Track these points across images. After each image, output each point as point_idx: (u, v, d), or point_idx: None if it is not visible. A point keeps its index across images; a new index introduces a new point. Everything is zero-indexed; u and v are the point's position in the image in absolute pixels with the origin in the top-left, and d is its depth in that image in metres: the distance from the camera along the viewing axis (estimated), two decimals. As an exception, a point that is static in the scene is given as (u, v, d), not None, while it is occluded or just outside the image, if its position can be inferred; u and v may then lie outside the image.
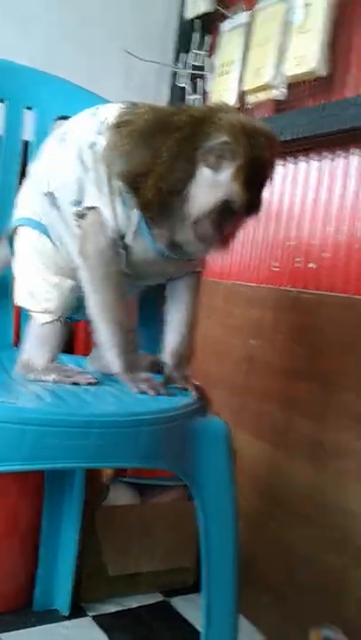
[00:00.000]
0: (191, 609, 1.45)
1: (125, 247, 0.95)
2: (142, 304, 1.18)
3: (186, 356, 1.05)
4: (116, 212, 0.93)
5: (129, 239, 0.94)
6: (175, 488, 1.50)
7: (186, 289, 1.06)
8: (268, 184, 0.93)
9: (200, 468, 0.92)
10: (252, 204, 0.91)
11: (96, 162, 0.93)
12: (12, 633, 1.28)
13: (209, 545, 0.94)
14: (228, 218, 0.91)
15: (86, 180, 0.94)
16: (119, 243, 0.94)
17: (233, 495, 0.96)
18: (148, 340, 1.19)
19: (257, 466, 1.43)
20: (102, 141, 0.93)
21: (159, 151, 0.89)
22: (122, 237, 0.94)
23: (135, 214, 0.92)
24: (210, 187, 0.89)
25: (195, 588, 1.52)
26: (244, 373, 1.50)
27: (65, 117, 1.18)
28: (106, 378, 1.03)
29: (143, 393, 0.92)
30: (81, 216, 0.96)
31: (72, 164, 0.95)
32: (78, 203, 0.95)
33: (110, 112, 0.96)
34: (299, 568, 1.29)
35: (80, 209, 0.95)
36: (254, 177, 0.89)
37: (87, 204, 0.94)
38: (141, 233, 0.93)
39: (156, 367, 1.10)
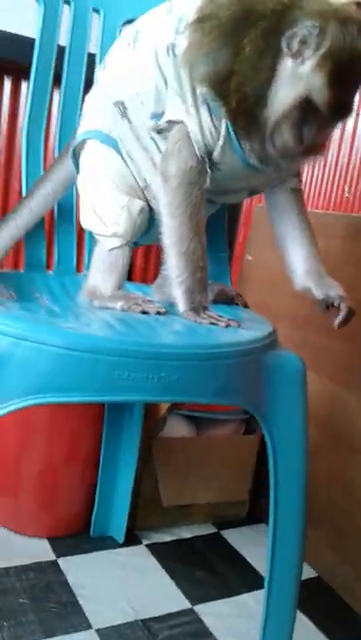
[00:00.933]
0: (244, 541, 1.45)
1: (212, 164, 0.86)
2: (208, 231, 1.10)
3: (324, 271, 0.96)
4: (202, 125, 0.83)
5: (217, 155, 0.85)
6: (231, 422, 1.48)
7: (292, 209, 0.97)
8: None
9: (274, 404, 0.86)
10: (340, 104, 0.78)
11: (177, 68, 0.83)
12: (68, 558, 1.29)
13: (278, 481, 0.90)
14: (312, 121, 0.80)
15: (166, 90, 0.84)
16: (206, 161, 0.85)
17: (306, 434, 0.91)
18: (214, 267, 1.12)
19: (318, 401, 1.37)
20: (182, 42, 0.82)
21: (242, 46, 0.77)
22: (209, 154, 0.85)
23: (224, 125, 0.82)
24: (290, 80, 0.78)
25: (248, 520, 1.52)
26: (306, 306, 1.43)
27: (133, 21, 1.08)
28: (174, 308, 0.97)
29: (213, 324, 0.86)
30: (160, 131, 0.87)
31: (148, 70, 0.85)
32: (157, 115, 0.86)
33: (189, 6, 0.83)
34: (358, 506, 1.25)
35: (160, 123, 0.86)
36: (343, 70, 0.76)
37: (170, 117, 0.85)
38: (231, 146, 0.84)
39: (225, 297, 1.04)
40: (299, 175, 0.98)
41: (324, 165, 1.48)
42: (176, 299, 0.89)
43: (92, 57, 1.09)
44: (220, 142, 0.84)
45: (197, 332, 0.83)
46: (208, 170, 0.85)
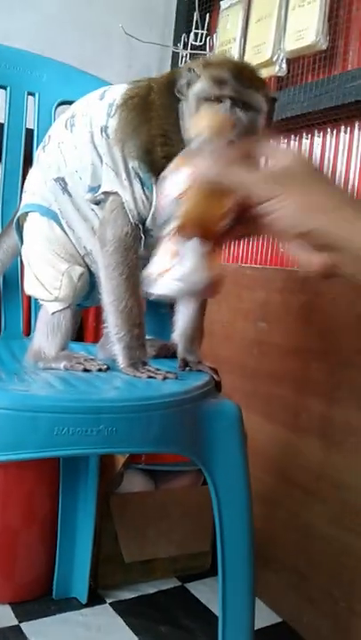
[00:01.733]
0: (209, 593, 1.45)
1: (145, 231, 0.93)
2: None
3: (197, 338, 1.04)
4: (135, 196, 0.91)
5: (149, 222, 0.92)
6: (189, 473, 1.50)
7: None
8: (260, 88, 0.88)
9: (212, 450, 0.91)
10: (224, 81, 0.85)
11: (110, 146, 0.92)
12: (31, 622, 1.28)
13: (223, 528, 0.93)
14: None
15: (102, 166, 0.93)
16: (140, 227, 0.92)
17: (246, 477, 0.95)
18: (156, 324, 1.18)
19: (270, 447, 1.42)
20: (113, 124, 0.92)
21: (152, 99, 0.90)
22: (143, 222, 0.93)
23: (155, 195, 0.90)
24: (188, 111, 0.88)
25: (212, 572, 1.53)
26: (254, 356, 1.49)
27: (67, 102, 1.17)
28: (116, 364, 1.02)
29: (151, 377, 0.91)
30: (97, 202, 0.95)
31: (85, 150, 0.94)
32: (94, 189, 0.94)
33: (117, 93, 0.94)
34: (316, 548, 1.29)
35: (96, 195, 0.94)
36: (222, 72, 0.85)
37: (105, 189, 0.93)
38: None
39: (167, 352, 1.09)
40: None
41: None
42: (116, 355, 0.94)
43: (29, 132, 1.17)
44: (152, 211, 0.91)
45: (136, 386, 0.88)
46: (142, 235, 0.93)
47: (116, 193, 0.92)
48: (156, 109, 0.89)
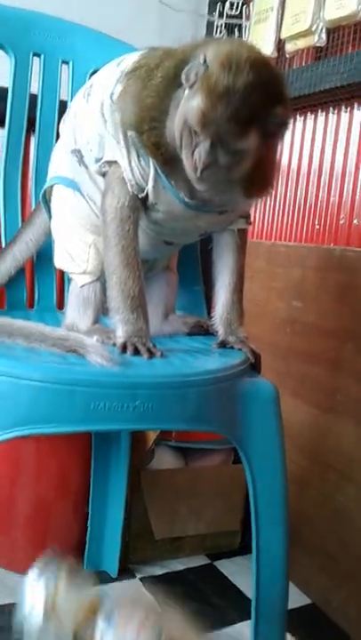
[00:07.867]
0: (237, 572, 1.45)
1: (146, 203, 0.89)
2: (181, 265, 1.15)
3: (236, 319, 0.99)
4: (132, 164, 0.87)
5: (150, 193, 0.88)
6: (220, 451, 1.49)
7: (228, 251, 0.99)
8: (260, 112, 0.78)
9: (248, 430, 0.89)
10: (212, 123, 0.77)
11: (113, 112, 0.88)
12: (62, 594, 1.29)
13: (258, 507, 0.92)
14: (199, 146, 0.78)
15: (106, 134, 0.90)
16: (138, 197, 0.88)
17: (282, 457, 0.93)
18: (189, 300, 1.17)
19: (303, 428, 1.40)
20: (118, 89, 0.87)
21: (154, 75, 0.83)
22: (142, 191, 0.88)
23: (152, 167, 0.86)
24: (180, 106, 0.80)
25: (241, 550, 1.53)
26: (288, 335, 1.47)
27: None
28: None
29: (137, 354, 0.85)
30: (103, 174, 0.92)
31: (95, 119, 0.91)
32: (99, 160, 0.91)
33: (132, 60, 0.89)
34: (348, 531, 1.27)
35: (100, 165, 0.91)
36: (216, 97, 0.76)
37: (107, 158, 0.90)
38: (163, 186, 0.87)
39: (200, 328, 1.08)
40: (247, 217, 1.00)
41: (294, 202, 1.56)
42: (115, 326, 0.89)
43: (63, 104, 1.15)
44: (152, 183, 0.87)
45: (172, 363, 0.87)
46: (143, 206, 0.89)
47: (115, 162, 0.89)
48: (151, 88, 0.83)
